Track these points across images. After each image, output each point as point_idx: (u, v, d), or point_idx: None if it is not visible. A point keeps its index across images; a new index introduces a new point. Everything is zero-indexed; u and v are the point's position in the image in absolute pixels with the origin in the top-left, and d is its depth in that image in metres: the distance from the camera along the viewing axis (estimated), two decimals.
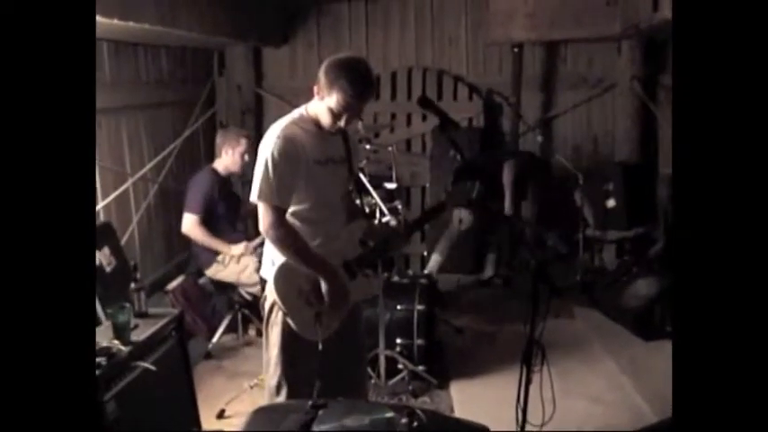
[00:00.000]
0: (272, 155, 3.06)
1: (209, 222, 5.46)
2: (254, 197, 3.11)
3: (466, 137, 6.79)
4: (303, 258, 3.15)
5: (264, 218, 3.11)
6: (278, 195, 3.08)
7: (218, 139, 5.76)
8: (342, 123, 3.12)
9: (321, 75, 3.07)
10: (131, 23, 4.66)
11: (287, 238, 3.12)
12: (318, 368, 3.04)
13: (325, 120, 3.13)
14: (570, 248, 6.85)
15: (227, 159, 5.62)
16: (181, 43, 6.81)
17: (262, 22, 7.40)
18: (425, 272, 6.28)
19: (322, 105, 3.10)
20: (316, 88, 3.11)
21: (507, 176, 6.58)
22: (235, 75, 7.91)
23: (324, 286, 3.17)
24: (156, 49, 6.60)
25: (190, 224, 5.45)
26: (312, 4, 7.97)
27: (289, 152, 3.07)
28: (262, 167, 3.09)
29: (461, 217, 6.31)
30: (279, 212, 3.11)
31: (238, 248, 5.44)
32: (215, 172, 5.63)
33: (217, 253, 5.49)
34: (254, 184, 3.12)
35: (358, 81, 3.03)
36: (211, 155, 7.29)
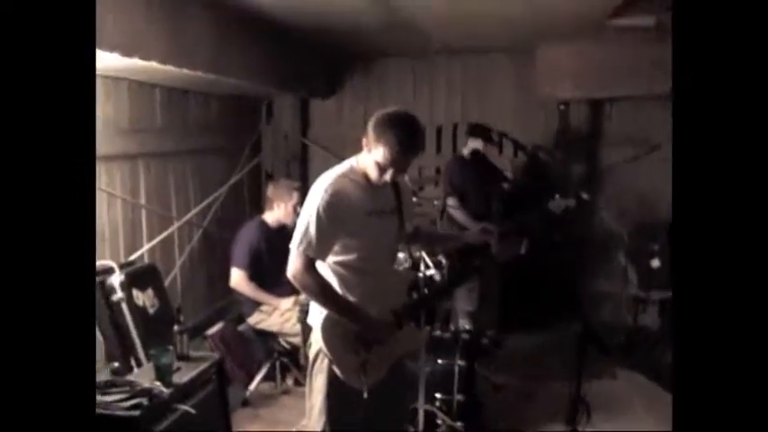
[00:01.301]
0: (318, 208, 3.07)
1: (256, 274, 5.47)
2: (292, 245, 3.13)
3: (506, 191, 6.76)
4: (334, 306, 3.17)
5: (293, 264, 3.12)
6: (314, 248, 3.10)
7: (270, 192, 5.79)
8: (388, 177, 3.12)
9: (369, 128, 3.09)
10: (185, 70, 4.75)
11: (313, 285, 3.14)
12: (363, 417, 3.01)
13: (372, 173, 3.14)
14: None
15: (279, 212, 5.65)
16: (230, 91, 6.91)
17: (309, 75, 7.50)
18: (465, 327, 6.21)
19: (370, 158, 3.11)
20: (364, 140, 3.12)
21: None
22: (282, 124, 8.02)
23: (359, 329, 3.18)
24: (205, 96, 6.70)
25: (238, 279, 5.47)
26: (359, 58, 8.08)
27: (334, 207, 3.08)
28: (305, 218, 3.11)
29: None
30: (308, 261, 3.12)
31: (287, 303, 5.43)
32: (264, 224, 5.66)
33: (260, 303, 5.49)
34: (295, 232, 3.14)
35: (405, 136, 3.03)
36: (256, 202, 7.36)
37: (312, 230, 3.07)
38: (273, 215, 5.69)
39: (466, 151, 6.47)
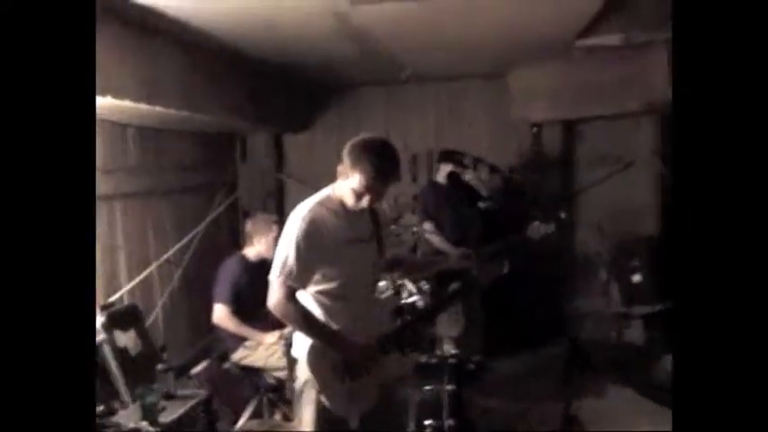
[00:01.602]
0: (296, 237, 3.07)
1: (239, 310, 5.43)
2: (272, 275, 3.11)
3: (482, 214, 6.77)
4: (317, 335, 3.15)
5: (273, 294, 3.11)
6: (294, 277, 3.08)
7: (248, 227, 5.76)
8: (364, 204, 3.12)
9: (345, 155, 3.09)
10: (158, 108, 4.74)
11: (295, 314, 3.12)
12: None
13: (349, 200, 3.14)
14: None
15: (259, 247, 5.61)
16: (204, 129, 6.90)
17: (283, 109, 7.51)
18: (451, 352, 6.17)
19: (346, 186, 3.11)
20: (340, 168, 3.11)
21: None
22: (257, 160, 8.02)
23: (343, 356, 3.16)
24: (180, 134, 6.68)
25: (221, 315, 5.42)
26: (331, 89, 8.10)
27: (311, 235, 3.08)
28: (284, 248, 3.10)
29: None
30: (289, 290, 3.10)
31: (272, 337, 5.37)
32: (245, 259, 5.61)
33: (244, 338, 5.44)
34: (274, 262, 3.13)
35: (380, 162, 3.03)
36: (234, 239, 7.32)
37: (291, 260, 3.05)
38: (254, 250, 5.65)
39: (439, 177, 6.50)
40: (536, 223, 5.36)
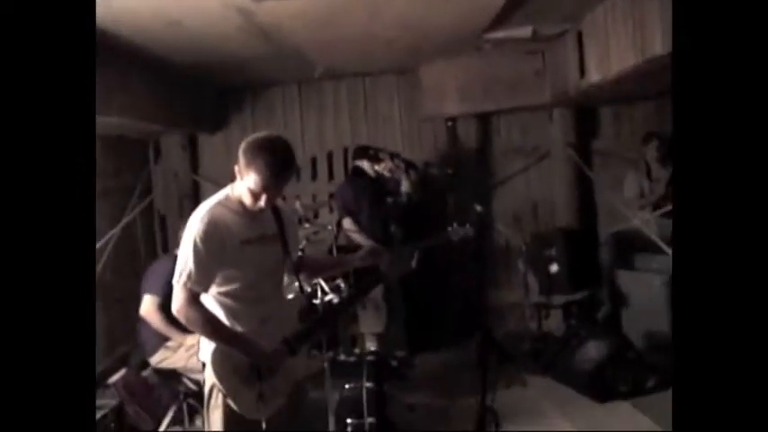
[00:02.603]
0: (194, 239, 3.02)
1: (167, 309, 5.31)
2: (174, 279, 3.07)
3: (401, 209, 6.79)
4: (221, 339, 3.10)
5: (176, 299, 3.07)
6: (194, 280, 3.03)
7: (181, 233, 5.67)
8: (262, 203, 3.08)
9: (240, 154, 3.04)
10: None
11: (198, 318, 3.07)
12: None
13: (247, 200, 3.10)
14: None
15: None
16: (114, 132, 6.75)
17: (196, 109, 7.41)
18: (372, 349, 6.16)
19: (243, 185, 3.07)
20: (236, 168, 3.07)
21: None
22: (171, 162, 7.89)
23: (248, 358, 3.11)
24: None
25: (149, 306, 5.30)
26: (245, 89, 8.02)
27: (210, 236, 3.03)
28: (183, 250, 3.06)
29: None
30: (191, 294, 3.05)
31: (193, 338, 5.27)
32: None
33: (166, 339, 5.34)
34: (176, 266, 3.08)
35: (274, 160, 2.99)
36: (150, 243, 7.19)
37: (191, 262, 3.01)
38: None
39: (355, 173, 6.50)
40: (455, 225, 5.40)
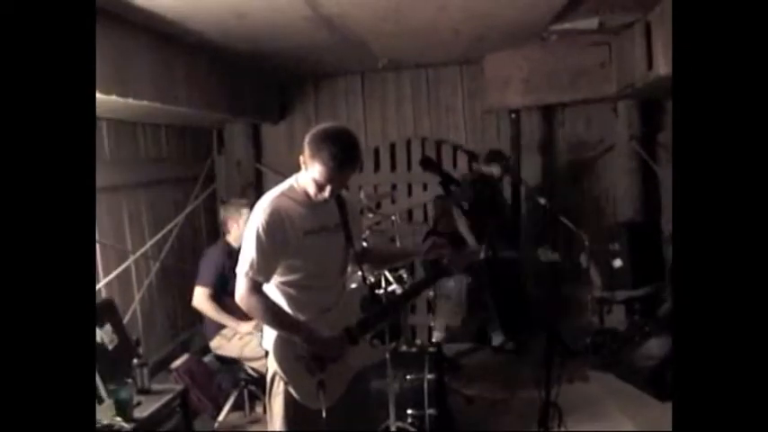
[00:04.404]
0: (257, 229, 3.04)
1: (220, 297, 5.38)
2: (238, 269, 3.09)
3: (467, 194, 6.78)
4: (281, 325, 3.12)
5: (239, 288, 3.09)
6: (257, 270, 3.05)
7: (222, 215, 5.75)
8: (326, 194, 3.09)
9: (305, 145, 3.05)
10: (130, 100, 4.68)
11: (261, 307, 3.09)
12: None
13: (311, 190, 3.11)
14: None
15: (236, 232, 5.57)
16: (180, 121, 6.84)
17: (260, 99, 7.47)
18: (434, 341, 6.18)
19: (308, 176, 3.08)
20: (301, 158, 3.08)
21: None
22: (234, 151, 7.95)
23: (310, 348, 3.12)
24: (155, 127, 6.62)
25: (200, 298, 5.38)
26: (309, 79, 8.06)
27: (273, 226, 3.05)
28: (247, 240, 3.08)
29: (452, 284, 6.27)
30: (254, 284, 3.07)
31: (247, 326, 5.33)
32: (228, 246, 5.58)
33: (222, 326, 5.41)
34: (241, 255, 3.10)
35: (339, 152, 2.98)
36: (213, 231, 7.27)
37: (254, 252, 3.03)
38: (233, 235, 5.61)
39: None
40: (546, 247, 5.42)
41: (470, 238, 6.23)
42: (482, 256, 4.03)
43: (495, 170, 6.93)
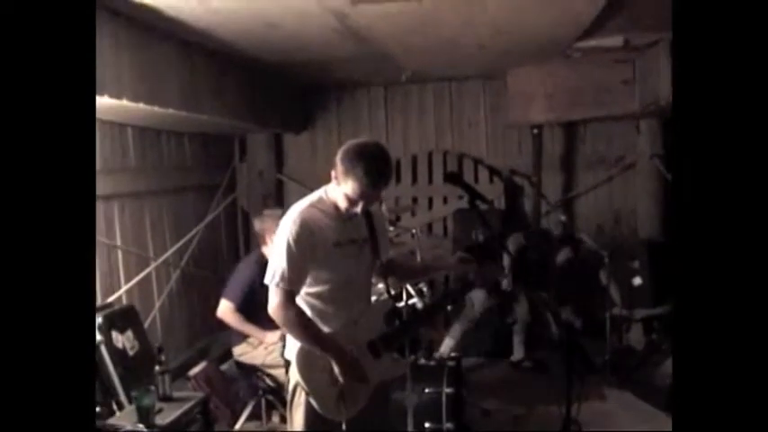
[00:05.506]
0: (287, 240, 3.05)
1: (249, 308, 5.37)
2: (267, 279, 3.09)
3: (492, 216, 6.79)
4: (312, 340, 3.11)
5: (272, 299, 3.09)
6: (288, 280, 3.06)
7: (257, 227, 5.71)
8: (358, 210, 3.10)
9: (338, 161, 3.05)
10: (156, 108, 4.72)
11: (294, 319, 3.09)
12: None
13: (342, 205, 3.12)
14: (584, 325, 6.74)
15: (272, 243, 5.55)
16: (203, 130, 6.89)
17: (283, 109, 7.50)
18: (438, 354, 6.17)
19: (339, 191, 3.09)
20: (333, 173, 3.09)
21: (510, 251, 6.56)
22: (256, 160, 8.00)
23: (336, 367, 3.13)
24: (179, 135, 6.67)
25: (225, 310, 5.38)
26: (332, 89, 8.09)
27: (303, 237, 3.05)
28: (277, 251, 3.09)
29: (474, 299, 6.26)
30: (287, 295, 3.08)
31: (273, 336, 5.33)
32: (263, 257, 5.54)
33: (248, 336, 5.42)
34: (269, 267, 3.11)
35: (374, 170, 2.99)
36: (233, 240, 7.29)
37: (284, 263, 3.04)
38: (268, 248, 5.61)
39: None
40: (562, 250, 5.40)
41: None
42: (506, 270, 4.05)
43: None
